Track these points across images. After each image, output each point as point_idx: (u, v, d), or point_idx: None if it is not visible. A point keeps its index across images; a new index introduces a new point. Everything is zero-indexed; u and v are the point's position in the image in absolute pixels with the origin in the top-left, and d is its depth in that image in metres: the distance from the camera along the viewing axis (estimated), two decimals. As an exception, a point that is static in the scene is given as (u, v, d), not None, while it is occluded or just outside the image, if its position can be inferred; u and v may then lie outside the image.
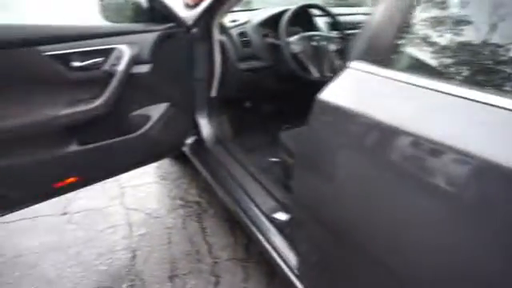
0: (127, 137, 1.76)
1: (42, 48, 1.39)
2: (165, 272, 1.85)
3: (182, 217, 2.25)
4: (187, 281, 1.80)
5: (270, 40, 2.09)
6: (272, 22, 2.12)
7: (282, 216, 1.56)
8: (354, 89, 0.96)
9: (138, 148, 1.84)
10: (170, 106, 1.90)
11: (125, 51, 1.60)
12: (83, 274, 1.82)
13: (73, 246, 1.99)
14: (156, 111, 1.86)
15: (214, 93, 2.18)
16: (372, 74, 0.92)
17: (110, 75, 1.58)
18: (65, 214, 2.22)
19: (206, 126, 2.26)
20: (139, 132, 1.80)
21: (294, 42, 1.93)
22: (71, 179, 1.65)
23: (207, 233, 2.13)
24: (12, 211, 1.61)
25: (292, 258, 1.41)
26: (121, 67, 1.59)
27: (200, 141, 2.25)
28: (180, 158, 2.71)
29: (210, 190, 2.47)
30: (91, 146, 1.63)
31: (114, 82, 1.59)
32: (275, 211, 1.63)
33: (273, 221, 1.59)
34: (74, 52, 1.48)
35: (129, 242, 2.04)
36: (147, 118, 1.83)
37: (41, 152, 1.50)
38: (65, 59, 1.46)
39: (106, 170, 1.81)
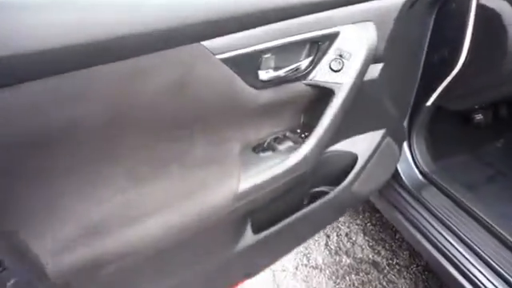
0: (321, 202, 0.95)
1: (208, 45, 0.58)
2: None
3: (359, 291, 1.45)
4: None
5: None
6: None
7: None
8: None
9: (329, 211, 1.04)
10: (385, 134, 1.04)
11: (356, 39, 0.75)
12: None
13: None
14: (364, 144, 1.01)
15: (431, 100, 1.27)
16: None
17: (327, 93, 0.75)
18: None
19: (404, 152, 1.38)
20: (339, 188, 0.98)
21: None
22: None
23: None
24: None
25: None
26: (350, 75, 0.74)
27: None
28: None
29: (395, 243, 1.65)
30: (273, 229, 0.85)
31: (334, 109, 0.76)
32: None
33: None
34: (263, 50, 0.66)
35: None
36: (351, 158, 1.00)
37: (195, 259, 0.75)
38: (246, 65, 0.65)
39: (278, 253, 1.04)
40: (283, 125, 0.80)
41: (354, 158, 1.00)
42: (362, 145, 0.99)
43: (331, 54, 0.73)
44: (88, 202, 0.58)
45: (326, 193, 1.03)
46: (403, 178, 1.37)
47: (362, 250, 1.62)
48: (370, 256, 1.59)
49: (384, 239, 1.66)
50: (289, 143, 0.77)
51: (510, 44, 1.03)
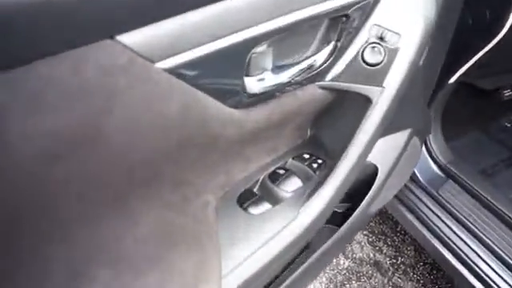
0: (332, 240, 0.68)
1: (134, 44, 0.27)
2: None
3: (363, 302, 1.26)
4: None
5: None
6: None
7: None
8: None
9: (339, 246, 0.79)
10: (411, 134, 0.77)
11: (406, 8, 0.44)
12: None
13: None
14: (386, 151, 0.74)
15: (455, 76, 1.00)
16: None
17: (358, 100, 0.46)
18: None
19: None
20: (353, 217, 0.71)
21: None
22: None
23: None
24: None
25: None
26: (397, 72, 0.45)
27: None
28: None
29: (397, 236, 1.44)
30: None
31: (370, 128, 0.47)
32: None
33: None
34: (251, 40, 0.34)
35: None
36: (369, 170, 0.73)
37: None
38: (221, 72, 0.34)
39: None
40: (282, 147, 0.51)
41: (373, 170, 0.73)
42: (382, 152, 0.71)
43: (364, 35, 0.43)
44: None
45: (334, 212, 0.77)
46: (418, 173, 1.14)
47: (362, 247, 1.41)
48: (371, 255, 1.39)
49: (385, 232, 1.45)
50: (295, 182, 0.48)
51: None
